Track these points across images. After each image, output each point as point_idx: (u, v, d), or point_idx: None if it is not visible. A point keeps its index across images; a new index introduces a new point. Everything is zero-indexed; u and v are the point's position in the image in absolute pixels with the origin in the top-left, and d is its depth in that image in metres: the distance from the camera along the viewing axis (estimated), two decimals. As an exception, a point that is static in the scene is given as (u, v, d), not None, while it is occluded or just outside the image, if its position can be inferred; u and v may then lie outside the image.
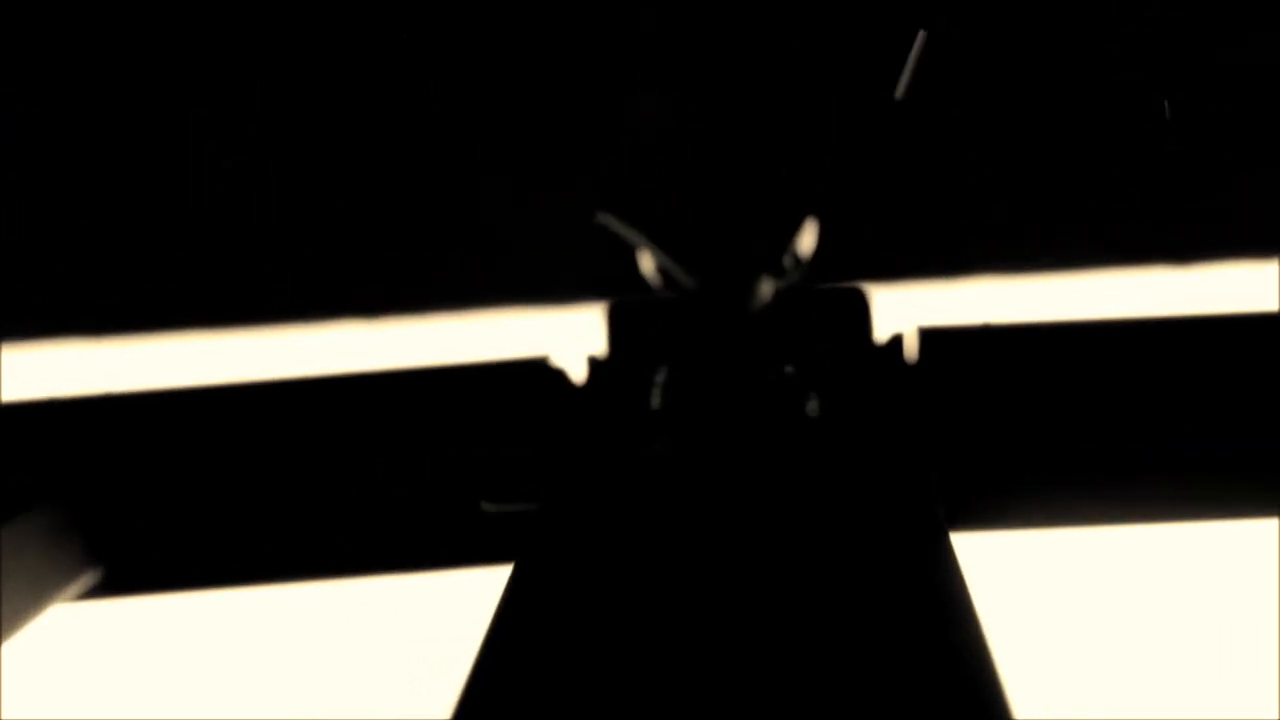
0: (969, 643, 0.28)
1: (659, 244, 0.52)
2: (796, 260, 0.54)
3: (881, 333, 0.56)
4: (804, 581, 0.32)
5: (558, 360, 0.56)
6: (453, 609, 0.68)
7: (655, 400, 0.49)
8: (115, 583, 0.55)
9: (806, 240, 0.54)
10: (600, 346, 0.57)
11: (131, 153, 1.24)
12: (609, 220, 0.52)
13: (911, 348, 0.54)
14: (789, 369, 0.51)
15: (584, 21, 1.25)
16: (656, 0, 1.25)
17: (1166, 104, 0.70)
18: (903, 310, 0.56)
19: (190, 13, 1.01)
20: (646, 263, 0.53)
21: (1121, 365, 0.53)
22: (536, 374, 0.54)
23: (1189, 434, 0.53)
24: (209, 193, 1.31)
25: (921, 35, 0.49)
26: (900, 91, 0.48)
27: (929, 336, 0.54)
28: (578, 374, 0.55)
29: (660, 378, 0.51)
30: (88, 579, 0.54)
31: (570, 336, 0.56)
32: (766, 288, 0.53)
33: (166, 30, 1.06)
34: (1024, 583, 0.90)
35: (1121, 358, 0.54)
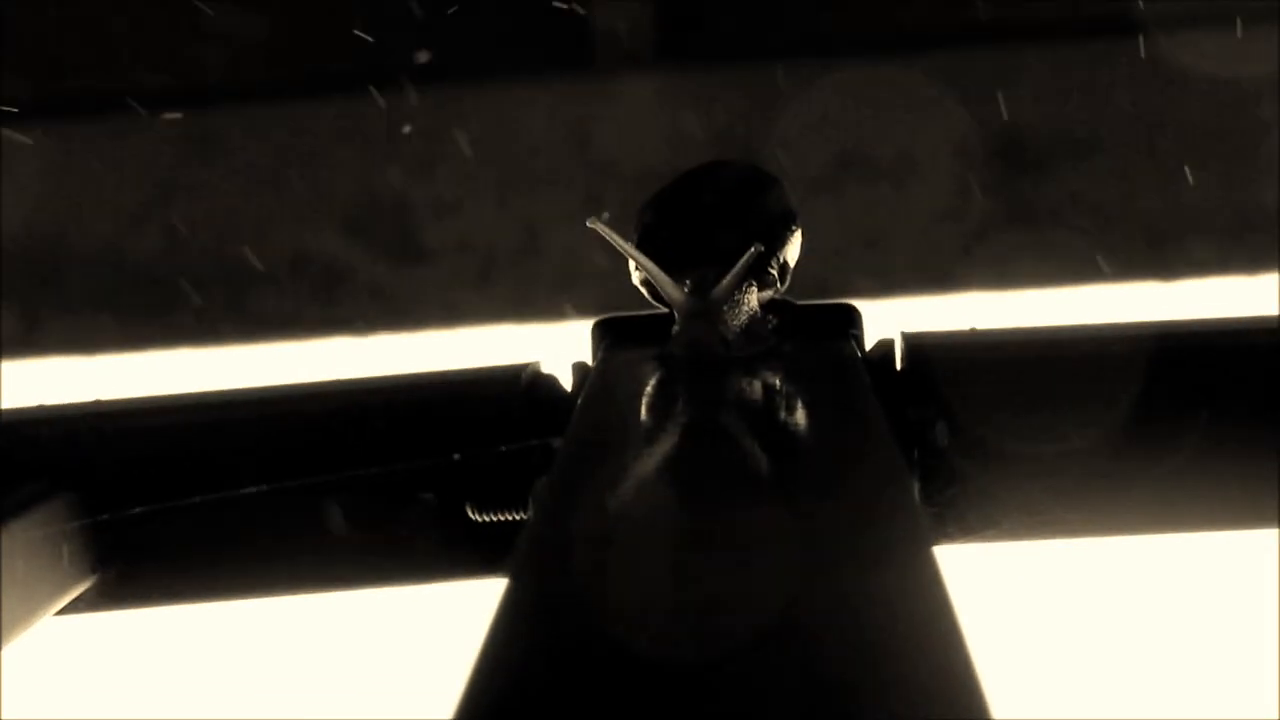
0: (952, 658, 0.28)
1: (649, 254, 0.52)
2: (784, 270, 0.54)
3: (871, 344, 0.56)
4: (790, 593, 0.32)
5: (547, 368, 0.56)
6: (447, 618, 0.68)
7: (644, 412, 0.49)
8: (107, 595, 0.55)
9: (792, 250, 0.55)
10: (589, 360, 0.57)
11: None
12: (600, 226, 0.52)
13: (898, 355, 0.54)
14: (776, 381, 0.51)
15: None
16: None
17: None
18: (892, 323, 0.56)
19: None
20: (636, 274, 0.53)
21: (1114, 372, 0.53)
22: (526, 380, 0.54)
23: (1184, 442, 0.53)
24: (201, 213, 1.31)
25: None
26: None
27: (914, 343, 0.54)
28: (567, 382, 0.55)
29: (650, 389, 0.51)
30: (81, 589, 0.54)
31: (559, 350, 0.56)
32: (752, 299, 0.53)
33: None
34: (1010, 596, 0.90)
35: (1114, 364, 0.53)
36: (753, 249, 0.50)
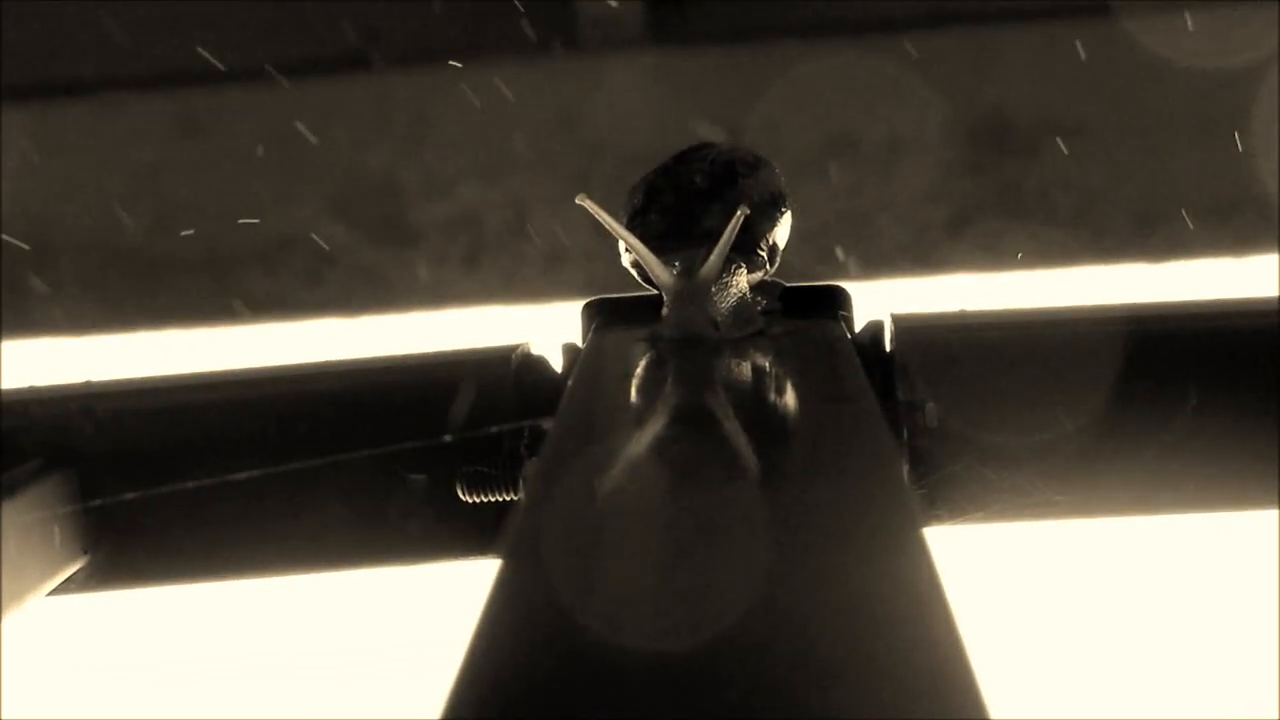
0: (943, 640, 0.28)
1: (638, 236, 0.52)
2: (773, 252, 0.54)
3: (860, 326, 0.56)
4: (780, 575, 0.32)
5: (537, 349, 0.56)
6: (442, 600, 0.68)
7: (634, 393, 0.49)
8: (99, 576, 0.55)
9: (782, 232, 0.55)
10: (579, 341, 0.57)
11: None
12: (589, 204, 0.52)
13: (888, 337, 0.54)
14: (765, 362, 0.51)
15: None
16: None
17: None
18: (881, 304, 0.56)
19: None
20: (625, 255, 0.53)
21: (1103, 353, 0.53)
22: (516, 362, 0.54)
23: (1173, 424, 0.53)
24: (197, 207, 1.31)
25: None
26: None
27: (903, 325, 0.54)
28: (557, 364, 0.55)
29: (639, 370, 0.51)
30: (72, 570, 0.54)
31: (549, 332, 0.57)
32: (741, 280, 0.53)
33: None
34: (1000, 579, 0.90)
35: (1103, 346, 0.53)
36: (739, 212, 0.50)
